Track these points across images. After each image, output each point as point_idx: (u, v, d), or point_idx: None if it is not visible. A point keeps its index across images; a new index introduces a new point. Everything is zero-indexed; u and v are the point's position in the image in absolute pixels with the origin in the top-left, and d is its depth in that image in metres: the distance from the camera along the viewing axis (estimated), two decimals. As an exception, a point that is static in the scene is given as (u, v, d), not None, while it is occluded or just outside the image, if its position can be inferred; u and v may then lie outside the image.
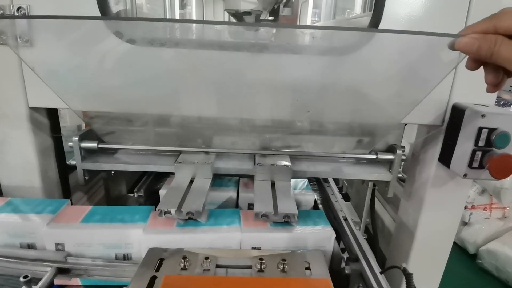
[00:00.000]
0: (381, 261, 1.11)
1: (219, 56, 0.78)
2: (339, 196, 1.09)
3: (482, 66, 0.49)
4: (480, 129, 0.76)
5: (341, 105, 0.82)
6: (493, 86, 0.50)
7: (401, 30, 0.69)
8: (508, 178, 2.29)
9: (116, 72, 0.80)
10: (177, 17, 2.29)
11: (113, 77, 0.80)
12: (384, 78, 0.76)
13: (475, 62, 0.49)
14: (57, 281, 0.68)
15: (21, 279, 0.57)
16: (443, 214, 0.94)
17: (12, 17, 0.75)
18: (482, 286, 2.29)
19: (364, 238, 0.83)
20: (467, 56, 0.49)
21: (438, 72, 0.65)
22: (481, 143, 0.77)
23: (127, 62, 0.79)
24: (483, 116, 0.75)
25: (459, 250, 2.59)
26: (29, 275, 0.58)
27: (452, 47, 0.48)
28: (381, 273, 0.69)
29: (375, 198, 1.18)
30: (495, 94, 0.85)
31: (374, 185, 1.11)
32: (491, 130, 0.76)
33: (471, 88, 0.82)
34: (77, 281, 0.69)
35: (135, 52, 0.77)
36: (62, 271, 0.69)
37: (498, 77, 0.48)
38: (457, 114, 0.81)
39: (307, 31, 0.78)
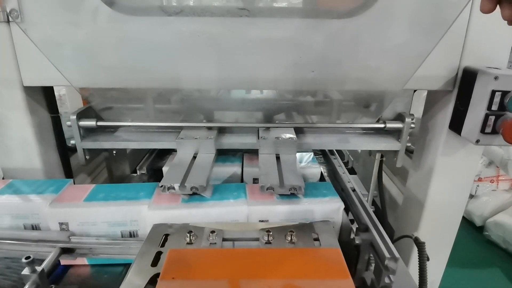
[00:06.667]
0: (389, 233, 1.09)
1: (219, 21, 0.75)
2: (345, 169, 1.06)
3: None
4: (493, 92, 0.73)
5: (346, 64, 0.79)
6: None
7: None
8: (515, 149, 2.27)
9: (113, 43, 0.77)
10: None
11: (110, 48, 0.78)
12: (391, 33, 0.73)
13: (489, 0, 0.48)
14: (63, 261, 0.67)
15: (23, 260, 0.56)
16: (453, 183, 0.92)
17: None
18: (489, 258, 2.29)
19: (372, 211, 0.81)
20: None
21: (449, 13, 0.62)
22: (494, 107, 0.74)
23: (124, 32, 0.76)
24: (496, 78, 0.72)
25: (465, 223, 2.59)
26: (31, 256, 0.57)
27: None
28: (393, 242, 0.68)
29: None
30: (507, 58, 0.81)
31: (381, 157, 1.08)
32: (504, 93, 0.73)
33: (483, 52, 0.79)
34: (83, 261, 0.68)
35: (132, 22, 0.74)
36: (66, 251, 0.68)
37: None
38: (468, 78, 0.78)
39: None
